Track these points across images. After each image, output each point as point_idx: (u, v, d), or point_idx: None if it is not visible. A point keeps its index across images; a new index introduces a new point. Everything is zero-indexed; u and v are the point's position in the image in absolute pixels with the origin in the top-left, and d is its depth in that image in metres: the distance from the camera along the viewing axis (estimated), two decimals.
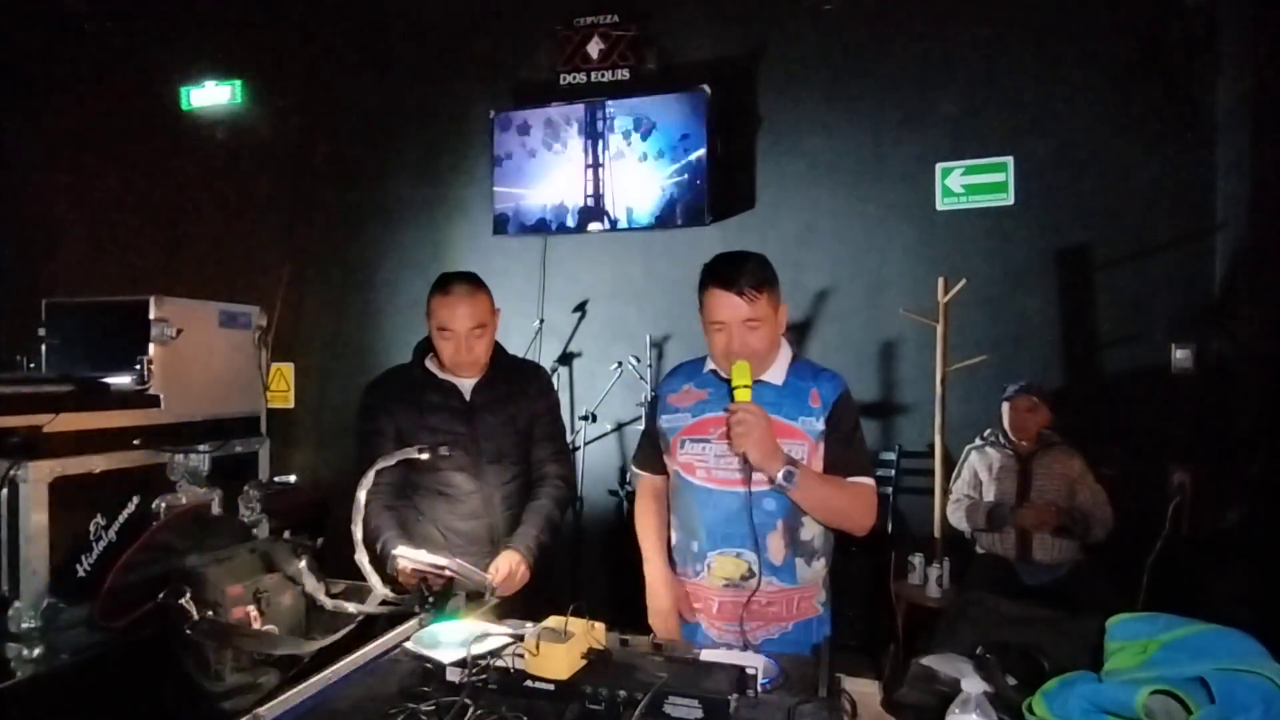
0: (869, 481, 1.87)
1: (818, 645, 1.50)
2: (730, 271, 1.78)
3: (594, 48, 4.52)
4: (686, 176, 4.34)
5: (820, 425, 1.84)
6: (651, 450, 2.04)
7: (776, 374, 1.88)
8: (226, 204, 5.38)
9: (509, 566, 2.11)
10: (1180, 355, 3.79)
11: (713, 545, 1.85)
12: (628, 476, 4.56)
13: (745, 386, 1.75)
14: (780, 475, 1.73)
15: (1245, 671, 1.18)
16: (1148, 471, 3.71)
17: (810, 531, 1.85)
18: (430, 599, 1.76)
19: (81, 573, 1.74)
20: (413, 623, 1.71)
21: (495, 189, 4.66)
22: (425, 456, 1.97)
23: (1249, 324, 3.57)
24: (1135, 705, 1.18)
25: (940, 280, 3.72)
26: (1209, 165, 3.79)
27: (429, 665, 1.44)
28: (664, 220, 4.40)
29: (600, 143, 4.48)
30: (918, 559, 3.62)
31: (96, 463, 1.77)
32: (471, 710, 1.30)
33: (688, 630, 1.94)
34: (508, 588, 2.09)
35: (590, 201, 4.52)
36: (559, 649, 1.36)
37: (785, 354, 1.91)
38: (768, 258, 1.87)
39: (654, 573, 2.00)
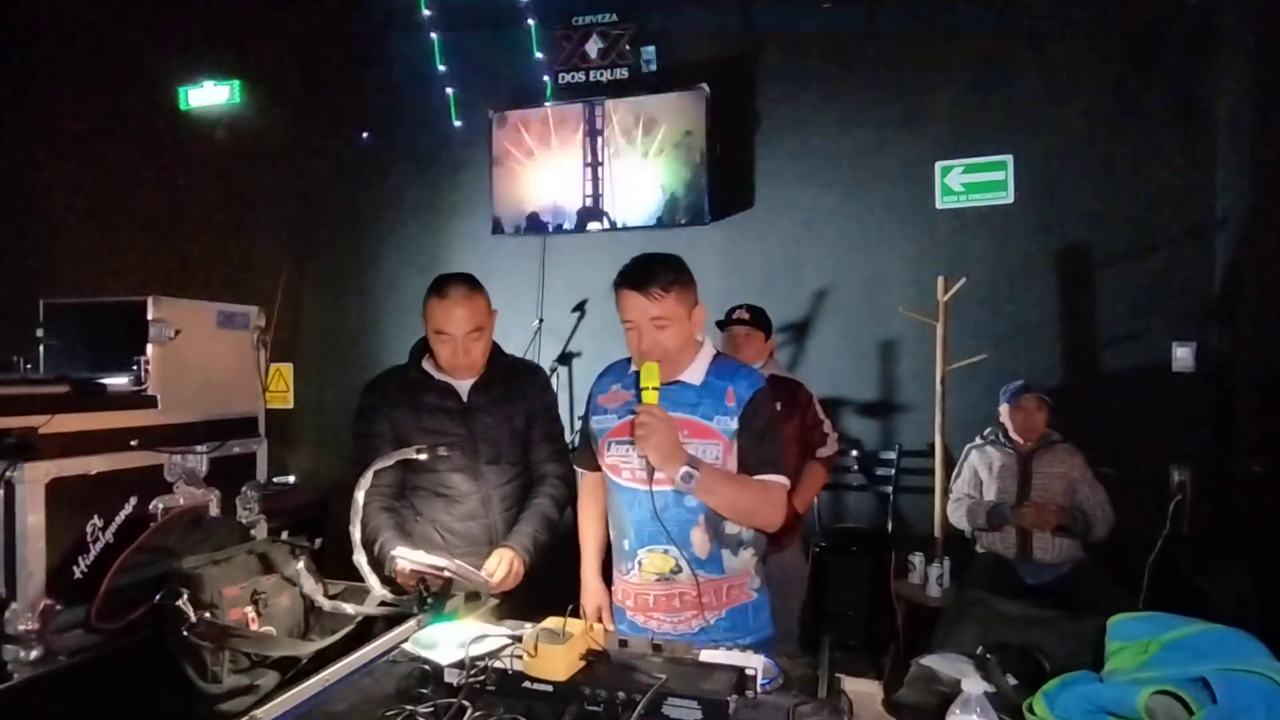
0: (778, 479, 1.88)
1: (821, 644, 1.49)
2: (636, 272, 1.86)
3: (592, 47, 4.51)
4: (686, 175, 4.33)
5: (734, 424, 1.87)
6: (587, 450, 2.09)
7: (695, 374, 1.91)
8: (225, 204, 5.38)
9: (499, 563, 2.10)
10: (1181, 354, 3.78)
11: (640, 543, 1.90)
12: None
13: (653, 388, 1.80)
14: (679, 476, 1.77)
15: (1247, 671, 1.17)
16: (1148, 470, 3.71)
17: (736, 525, 1.90)
18: (428, 600, 1.76)
19: (78, 574, 1.74)
20: (411, 624, 1.71)
21: (494, 188, 4.66)
22: (423, 457, 1.96)
23: (1250, 322, 3.56)
24: (1137, 706, 1.17)
25: (940, 279, 3.72)
26: (1209, 163, 3.78)
27: (427, 666, 1.43)
28: (664, 219, 4.40)
29: (599, 140, 4.47)
30: (918, 558, 3.61)
31: (93, 464, 1.76)
32: (469, 712, 1.29)
33: (631, 630, 1.94)
34: (501, 585, 2.09)
35: (589, 201, 4.51)
36: (557, 650, 1.35)
37: (706, 354, 1.95)
38: (682, 260, 1.91)
39: (584, 575, 2.12)
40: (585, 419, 2.09)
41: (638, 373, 1.88)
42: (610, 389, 2.01)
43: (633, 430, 1.80)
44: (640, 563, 1.90)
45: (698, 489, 1.78)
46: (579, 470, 2.18)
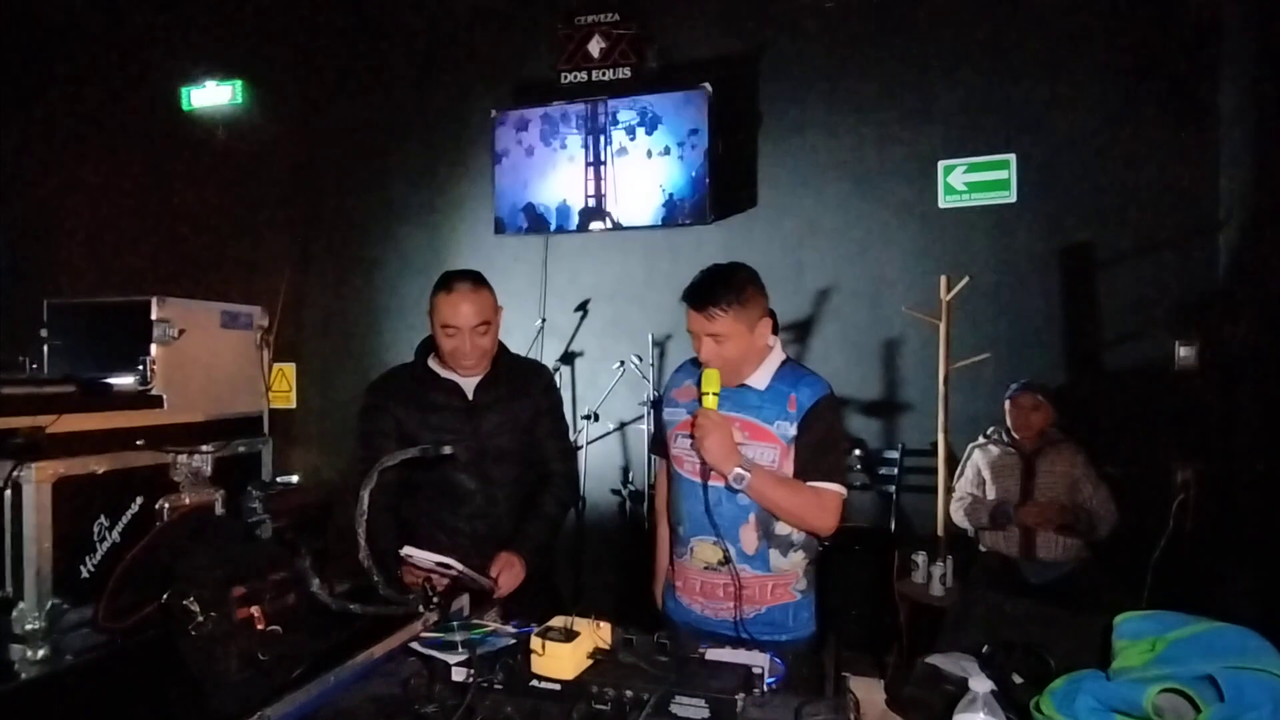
0: (832, 487, 1.93)
1: (826, 643, 1.50)
2: (697, 290, 1.94)
3: (595, 46, 4.51)
4: (688, 175, 4.33)
5: (793, 430, 1.93)
6: (661, 438, 2.18)
7: (761, 379, 1.98)
8: (228, 204, 5.38)
9: (503, 566, 2.11)
10: (1184, 352, 3.78)
11: (694, 532, 1.99)
12: (629, 476, 4.56)
13: (711, 394, 1.89)
14: (731, 477, 1.86)
15: (1254, 669, 1.17)
16: (1151, 469, 3.70)
17: (787, 526, 1.96)
18: (435, 599, 1.76)
19: (85, 574, 1.74)
20: (417, 623, 1.71)
21: (496, 188, 4.66)
22: (428, 456, 1.96)
23: (1252, 320, 3.56)
24: (1144, 704, 1.17)
25: (943, 278, 3.71)
26: (1212, 162, 3.78)
27: (434, 665, 1.44)
28: (666, 219, 4.40)
29: (602, 139, 4.47)
30: (921, 557, 3.61)
31: (99, 463, 1.76)
32: (477, 711, 1.30)
33: (677, 607, 2.08)
34: (504, 587, 2.09)
35: (591, 201, 4.51)
36: (564, 649, 1.35)
37: (774, 359, 2.01)
38: (753, 273, 1.97)
39: (657, 551, 2.24)
40: (659, 409, 2.21)
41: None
42: (683, 384, 2.10)
43: (692, 430, 1.89)
44: (692, 549, 2.00)
45: (749, 490, 1.87)
46: (655, 457, 2.27)
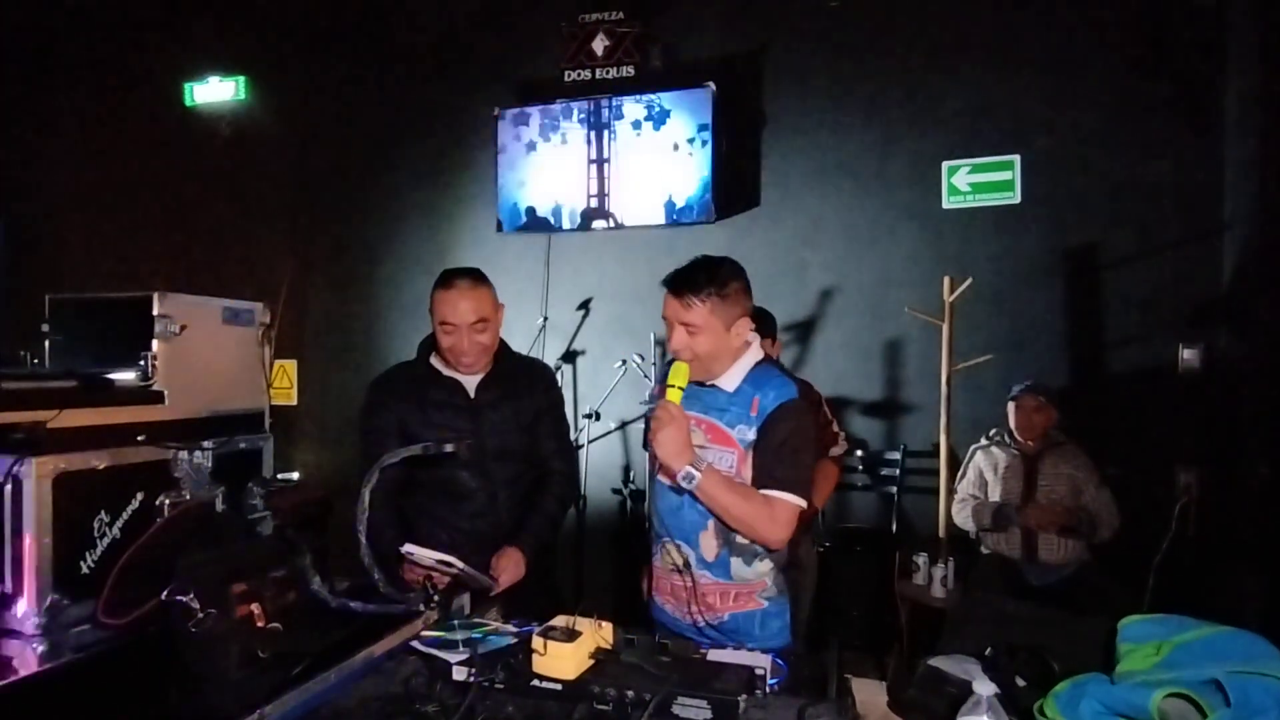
0: (785, 497, 1.81)
1: (829, 645, 1.49)
2: (678, 275, 1.85)
3: (599, 44, 4.50)
4: (692, 174, 4.32)
5: (752, 434, 1.84)
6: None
7: (731, 380, 1.89)
8: (230, 200, 5.38)
9: (505, 561, 2.11)
10: (1188, 355, 3.77)
11: (663, 532, 1.96)
12: (631, 475, 4.55)
13: (675, 387, 1.81)
14: (680, 475, 1.78)
15: (1260, 674, 1.17)
16: (1154, 472, 3.70)
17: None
18: (435, 597, 1.75)
19: (85, 569, 1.73)
20: (418, 621, 1.71)
21: (499, 186, 4.65)
22: (430, 454, 1.96)
23: (1257, 323, 3.55)
24: (1149, 708, 1.16)
25: (946, 279, 3.70)
26: (1217, 164, 3.77)
27: (435, 664, 1.43)
28: (669, 218, 4.39)
29: (605, 138, 4.46)
30: (922, 559, 3.60)
31: (100, 459, 1.76)
32: (478, 710, 1.29)
33: (656, 608, 2.02)
34: (505, 580, 2.09)
35: (594, 200, 4.50)
36: (566, 649, 1.35)
37: (748, 360, 1.91)
38: (741, 270, 1.88)
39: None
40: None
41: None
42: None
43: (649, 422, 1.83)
44: (663, 548, 1.96)
45: (698, 491, 1.79)
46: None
